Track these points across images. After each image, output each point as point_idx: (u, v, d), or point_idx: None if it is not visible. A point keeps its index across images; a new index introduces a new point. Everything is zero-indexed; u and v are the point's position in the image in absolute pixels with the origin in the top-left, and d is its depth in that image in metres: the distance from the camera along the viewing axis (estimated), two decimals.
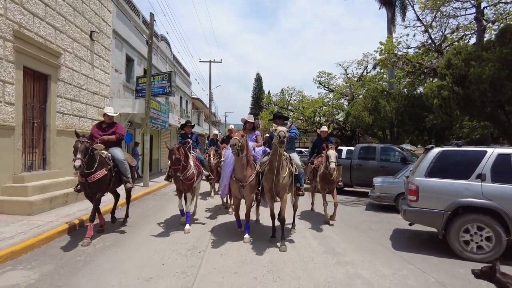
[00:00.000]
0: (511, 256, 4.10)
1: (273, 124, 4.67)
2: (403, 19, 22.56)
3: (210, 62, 24.88)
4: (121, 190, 5.80)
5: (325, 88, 29.87)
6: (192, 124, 7.14)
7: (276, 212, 4.91)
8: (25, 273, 3.51)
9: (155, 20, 11.21)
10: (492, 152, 4.35)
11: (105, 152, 5.11)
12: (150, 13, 10.96)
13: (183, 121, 10.33)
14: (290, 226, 5.68)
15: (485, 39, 14.48)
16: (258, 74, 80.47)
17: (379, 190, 7.51)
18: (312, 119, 28.55)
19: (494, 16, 16.27)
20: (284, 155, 4.39)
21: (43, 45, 7.09)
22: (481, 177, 4.26)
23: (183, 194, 5.62)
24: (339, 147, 8.75)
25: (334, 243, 4.89)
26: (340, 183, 6.68)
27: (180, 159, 5.05)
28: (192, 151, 6.16)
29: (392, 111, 19.33)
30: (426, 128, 20.41)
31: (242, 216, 5.16)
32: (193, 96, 24.89)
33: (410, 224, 5.04)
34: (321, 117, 30.30)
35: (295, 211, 5.84)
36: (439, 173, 4.45)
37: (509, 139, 12.54)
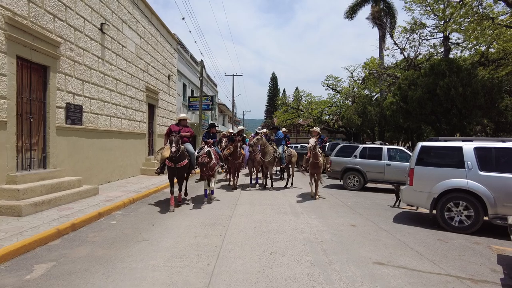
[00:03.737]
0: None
1: (265, 132, 10.83)
2: (392, 37, 27.97)
3: (233, 75, 31.37)
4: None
5: (333, 90, 34.82)
6: (216, 125, 9.94)
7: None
8: (155, 201, 9.89)
9: (204, 67, 17.58)
10: (361, 146, 10.41)
11: (181, 146, 6.87)
12: (201, 60, 17.39)
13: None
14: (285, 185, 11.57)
15: (452, 55, 20.42)
16: (273, 74, 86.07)
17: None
18: (319, 118, 34.02)
19: (462, 37, 21.72)
20: (273, 148, 10.35)
21: (153, 90, 13.58)
22: (355, 156, 10.34)
23: (206, 179, 7.66)
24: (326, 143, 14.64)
25: (298, 188, 11.06)
26: (328, 169, 9.31)
27: (207, 163, 7.06)
28: (213, 146, 8.19)
29: (376, 114, 24.93)
30: (406, 128, 25.89)
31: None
32: (219, 102, 31.35)
33: (329, 177, 11.13)
34: (328, 116, 35.64)
35: (288, 177, 11.17)
36: (339, 154, 10.58)
37: (440, 136, 18.06)
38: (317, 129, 9.02)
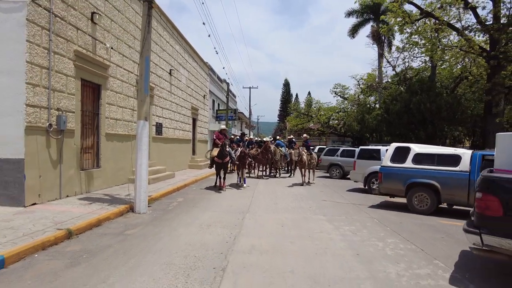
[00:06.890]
0: None
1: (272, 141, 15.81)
2: (385, 57, 32.24)
3: (250, 88, 36.56)
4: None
5: (340, 97, 38.96)
6: (246, 133, 17.63)
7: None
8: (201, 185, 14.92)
9: (229, 90, 22.71)
10: (341, 148, 15.22)
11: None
12: (227, 83, 22.51)
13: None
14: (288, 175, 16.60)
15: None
16: (286, 80, 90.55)
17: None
18: (327, 123, 38.45)
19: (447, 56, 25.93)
20: (279, 149, 15.27)
21: (195, 107, 18.77)
22: (337, 155, 15.15)
23: (240, 170, 11.82)
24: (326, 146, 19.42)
25: (294, 178, 15.89)
26: (313, 163, 14.38)
27: (246, 156, 12.53)
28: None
29: (373, 122, 29.28)
30: (398, 134, 29.88)
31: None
32: (238, 111, 36.53)
33: (323, 172, 15.94)
34: (336, 121, 40.01)
35: (291, 169, 16.54)
36: (327, 153, 15.42)
37: (420, 142, 22.41)
38: (305, 135, 13.64)
